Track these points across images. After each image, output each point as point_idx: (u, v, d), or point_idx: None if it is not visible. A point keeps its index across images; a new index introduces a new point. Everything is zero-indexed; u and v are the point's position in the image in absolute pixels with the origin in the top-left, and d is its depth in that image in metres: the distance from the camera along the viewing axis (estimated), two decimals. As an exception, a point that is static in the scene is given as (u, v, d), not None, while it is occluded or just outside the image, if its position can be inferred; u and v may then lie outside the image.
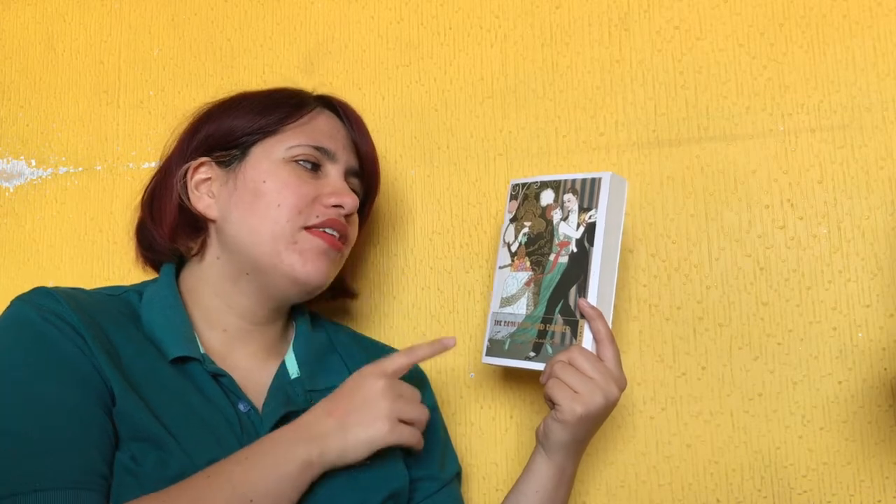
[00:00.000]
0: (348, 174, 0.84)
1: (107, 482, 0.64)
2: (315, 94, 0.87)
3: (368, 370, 0.72)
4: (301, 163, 0.79)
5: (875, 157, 0.91)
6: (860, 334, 0.90)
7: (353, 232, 0.85)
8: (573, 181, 0.82)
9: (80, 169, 1.19)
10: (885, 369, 0.88)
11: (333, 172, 0.82)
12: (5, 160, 1.22)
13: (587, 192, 0.81)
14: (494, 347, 0.84)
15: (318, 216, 0.78)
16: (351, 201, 0.80)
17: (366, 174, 0.87)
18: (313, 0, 1.12)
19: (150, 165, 1.14)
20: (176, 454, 0.65)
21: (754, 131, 0.95)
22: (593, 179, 0.81)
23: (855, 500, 0.88)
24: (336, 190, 0.80)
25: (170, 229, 0.81)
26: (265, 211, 0.77)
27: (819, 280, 0.91)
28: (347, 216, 0.81)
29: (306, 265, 0.77)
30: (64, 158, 1.20)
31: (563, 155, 1.00)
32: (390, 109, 1.07)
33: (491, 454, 0.98)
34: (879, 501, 0.87)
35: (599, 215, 0.79)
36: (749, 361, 0.92)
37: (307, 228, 0.78)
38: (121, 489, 0.64)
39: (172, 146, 0.84)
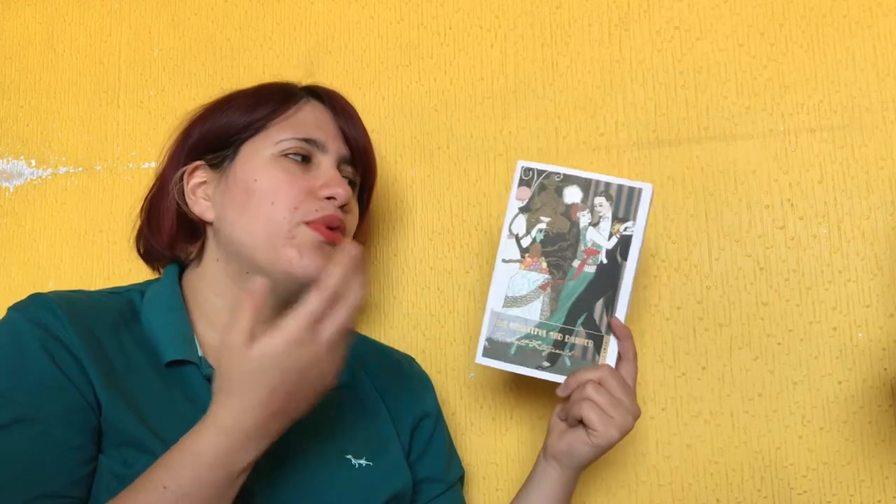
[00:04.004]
0: (341, 163, 0.82)
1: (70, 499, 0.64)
2: (301, 85, 0.86)
3: (291, 332, 0.61)
4: (291, 156, 0.78)
5: (875, 157, 0.91)
6: (860, 334, 0.90)
7: (352, 222, 0.83)
8: (607, 184, 0.78)
9: (80, 169, 1.19)
10: (885, 369, 0.88)
11: (325, 163, 0.80)
12: (5, 160, 1.22)
13: (623, 201, 0.77)
14: (496, 349, 0.80)
15: (316, 210, 0.77)
16: (343, 192, 0.78)
17: (359, 162, 0.84)
18: (313, 0, 1.12)
19: (150, 165, 1.14)
20: None
21: (754, 131, 0.95)
22: (632, 189, 0.77)
23: (855, 500, 0.88)
24: (328, 181, 0.78)
25: (168, 237, 0.81)
26: (258, 209, 0.76)
27: (819, 280, 0.91)
28: (342, 206, 0.79)
29: (303, 259, 0.75)
30: (64, 158, 1.20)
31: (563, 155, 1.00)
32: (390, 109, 1.07)
33: (491, 454, 0.98)
34: (879, 501, 0.87)
35: (637, 229, 0.77)
36: (749, 361, 0.92)
37: (307, 223, 0.76)
38: (109, 494, 0.64)
39: (167, 154, 0.84)
